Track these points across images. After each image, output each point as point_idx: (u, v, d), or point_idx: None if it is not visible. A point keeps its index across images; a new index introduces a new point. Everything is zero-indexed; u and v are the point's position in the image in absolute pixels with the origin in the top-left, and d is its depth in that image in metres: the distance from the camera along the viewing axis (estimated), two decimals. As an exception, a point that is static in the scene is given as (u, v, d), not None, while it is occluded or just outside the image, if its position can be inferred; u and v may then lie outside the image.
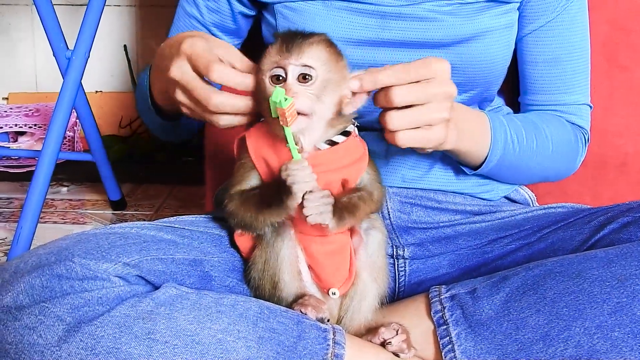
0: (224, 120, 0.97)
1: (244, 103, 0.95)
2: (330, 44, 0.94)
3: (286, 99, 0.87)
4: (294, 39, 0.91)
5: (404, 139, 0.94)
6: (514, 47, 1.21)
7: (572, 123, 1.25)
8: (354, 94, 0.94)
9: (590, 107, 1.28)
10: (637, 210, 1.03)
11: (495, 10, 1.15)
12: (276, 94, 0.87)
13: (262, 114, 0.96)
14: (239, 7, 1.23)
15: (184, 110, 1.01)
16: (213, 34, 1.24)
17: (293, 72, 0.90)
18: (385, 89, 0.93)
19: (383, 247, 1.02)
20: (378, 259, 1.01)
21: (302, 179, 0.89)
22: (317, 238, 0.97)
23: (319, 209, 0.90)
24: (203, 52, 0.94)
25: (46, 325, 0.85)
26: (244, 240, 1.02)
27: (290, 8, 1.15)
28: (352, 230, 1.01)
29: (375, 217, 1.03)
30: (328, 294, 0.99)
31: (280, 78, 0.91)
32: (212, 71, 0.93)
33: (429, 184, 1.18)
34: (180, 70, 0.96)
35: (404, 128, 0.93)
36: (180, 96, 0.99)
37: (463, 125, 1.06)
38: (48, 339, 0.84)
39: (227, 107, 0.95)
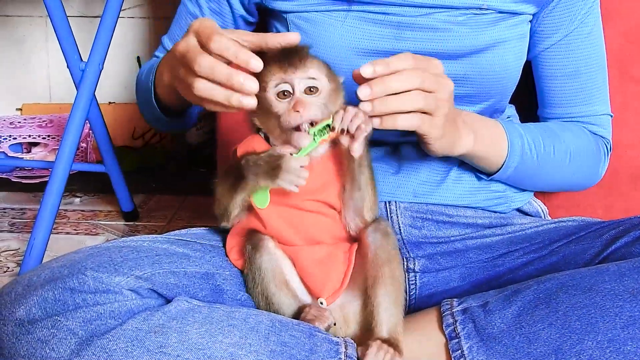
0: (200, 85, 0.92)
1: (226, 73, 0.90)
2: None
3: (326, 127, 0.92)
4: (293, 55, 0.94)
5: (403, 119, 0.93)
6: (525, 58, 1.20)
7: (594, 133, 1.25)
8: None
9: (611, 116, 1.28)
10: (648, 224, 1.03)
11: (508, 21, 1.15)
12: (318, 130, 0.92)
13: (264, 128, 0.97)
14: (240, 11, 1.23)
15: (178, 87, 0.99)
16: None
17: (299, 85, 0.93)
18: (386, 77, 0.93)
19: (398, 259, 1.01)
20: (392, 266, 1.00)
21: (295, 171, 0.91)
22: (304, 247, 0.98)
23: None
24: (211, 27, 0.94)
25: (59, 339, 0.85)
26: (233, 258, 1.04)
27: (305, 19, 1.15)
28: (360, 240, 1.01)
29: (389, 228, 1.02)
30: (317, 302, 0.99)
31: (286, 93, 0.93)
32: (212, 41, 0.91)
33: (441, 198, 1.17)
34: (186, 43, 0.95)
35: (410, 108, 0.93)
36: (181, 71, 0.96)
37: (478, 129, 1.07)
38: (60, 353, 0.85)
39: (209, 72, 0.91)
